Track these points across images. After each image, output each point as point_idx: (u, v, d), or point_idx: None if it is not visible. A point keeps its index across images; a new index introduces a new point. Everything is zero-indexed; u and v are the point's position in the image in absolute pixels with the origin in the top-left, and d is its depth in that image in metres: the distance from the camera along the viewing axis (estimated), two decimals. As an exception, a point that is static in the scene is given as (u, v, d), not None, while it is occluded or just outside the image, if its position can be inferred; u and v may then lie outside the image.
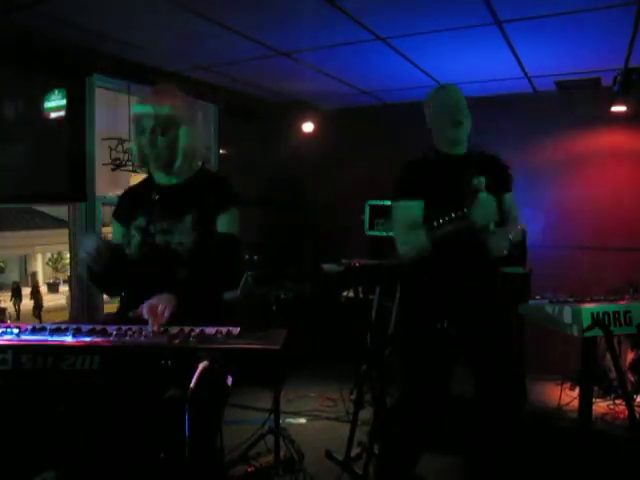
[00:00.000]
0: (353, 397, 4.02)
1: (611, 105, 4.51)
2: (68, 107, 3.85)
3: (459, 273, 2.44)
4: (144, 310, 1.85)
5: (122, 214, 2.24)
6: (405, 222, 2.49)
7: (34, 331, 1.74)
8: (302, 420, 4.03)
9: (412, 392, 2.57)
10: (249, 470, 3.14)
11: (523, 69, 4.43)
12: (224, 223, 2.14)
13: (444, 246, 2.37)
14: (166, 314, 1.87)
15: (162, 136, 2.06)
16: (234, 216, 2.18)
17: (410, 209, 2.49)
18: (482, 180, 2.32)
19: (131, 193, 2.33)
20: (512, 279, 4.27)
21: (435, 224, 2.32)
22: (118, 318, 2.11)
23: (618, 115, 4.58)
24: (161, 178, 2.19)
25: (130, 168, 4.09)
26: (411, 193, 2.50)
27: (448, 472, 3.12)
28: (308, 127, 5.75)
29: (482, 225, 2.33)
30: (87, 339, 1.68)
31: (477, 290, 2.45)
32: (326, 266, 5.08)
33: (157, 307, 1.86)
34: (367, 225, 5.30)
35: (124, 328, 1.75)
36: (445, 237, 2.32)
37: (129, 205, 2.23)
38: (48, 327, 1.76)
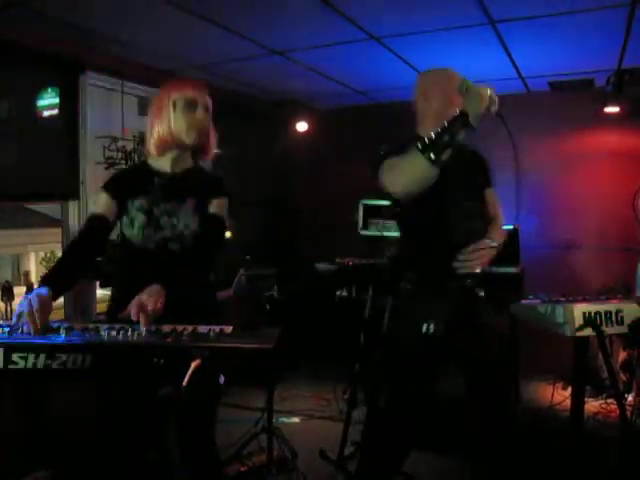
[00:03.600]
0: (346, 396, 4.02)
1: (604, 105, 4.53)
2: (61, 105, 3.84)
3: (444, 272, 2.36)
4: (133, 310, 1.84)
5: (116, 187, 2.22)
6: (396, 160, 2.18)
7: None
8: (295, 419, 4.03)
9: (398, 396, 2.54)
10: (242, 469, 3.14)
11: (517, 69, 4.44)
12: (214, 207, 2.21)
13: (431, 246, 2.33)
14: (159, 307, 1.86)
15: (206, 117, 2.19)
16: (224, 204, 2.25)
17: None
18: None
19: (127, 174, 2.35)
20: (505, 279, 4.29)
21: (427, 139, 2.03)
22: (110, 316, 2.11)
23: (611, 115, 4.61)
24: (163, 166, 2.23)
25: (124, 166, 4.08)
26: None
27: (447, 472, 3.13)
28: (303, 127, 5.75)
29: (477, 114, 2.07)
30: (79, 338, 1.68)
31: (463, 290, 2.40)
32: (320, 265, 5.09)
33: (146, 305, 1.85)
34: (361, 225, 5.32)
35: (117, 327, 1.75)
36: (447, 147, 2.04)
37: (126, 183, 2.23)
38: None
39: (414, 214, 2.42)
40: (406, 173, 2.13)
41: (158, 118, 2.16)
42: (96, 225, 2.17)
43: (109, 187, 2.22)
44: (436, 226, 2.38)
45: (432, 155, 2.01)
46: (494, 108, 2.18)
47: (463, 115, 2.05)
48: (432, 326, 2.32)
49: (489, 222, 2.49)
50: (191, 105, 2.14)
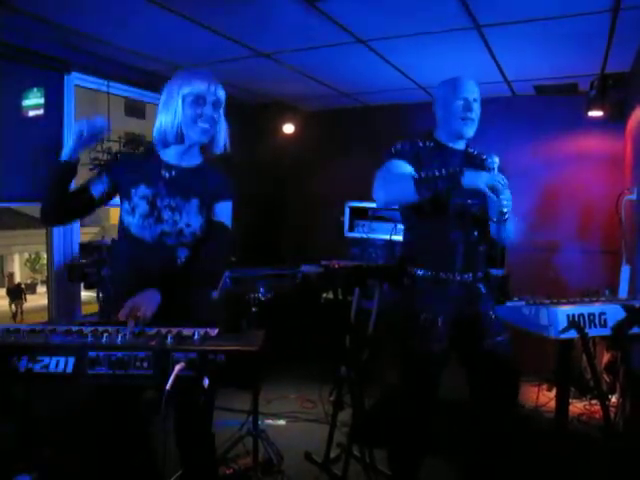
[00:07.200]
0: (332, 399, 4.02)
1: (588, 109, 4.57)
2: (46, 105, 3.81)
3: (446, 269, 2.48)
4: (124, 312, 1.84)
5: (116, 171, 2.20)
6: (392, 171, 2.42)
7: (9, 332, 1.72)
8: (281, 422, 4.02)
9: (403, 392, 2.58)
10: (228, 472, 3.12)
11: (502, 73, 4.47)
12: (219, 213, 2.24)
13: (435, 238, 2.47)
14: (148, 315, 1.86)
15: (217, 113, 2.19)
16: (229, 208, 2.28)
17: (402, 166, 2.42)
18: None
19: (131, 159, 2.32)
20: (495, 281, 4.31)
21: (423, 175, 2.25)
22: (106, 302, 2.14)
23: (595, 119, 4.65)
24: (171, 158, 2.21)
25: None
26: (404, 157, 2.46)
27: (432, 472, 3.13)
28: (288, 128, 5.76)
29: (472, 189, 2.23)
30: (62, 340, 1.67)
31: (464, 285, 2.51)
32: (306, 267, 5.08)
33: (138, 310, 1.85)
34: (347, 226, 5.32)
35: (100, 329, 1.74)
36: (430, 198, 2.27)
37: (128, 168, 2.20)
38: (22, 328, 1.74)
39: (416, 211, 2.52)
40: (391, 193, 2.36)
41: (165, 110, 2.13)
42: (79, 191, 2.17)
43: (109, 170, 2.21)
44: (438, 223, 2.48)
45: (422, 191, 2.23)
46: None
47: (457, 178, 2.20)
48: (431, 319, 2.42)
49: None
50: (199, 101, 2.12)
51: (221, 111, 2.22)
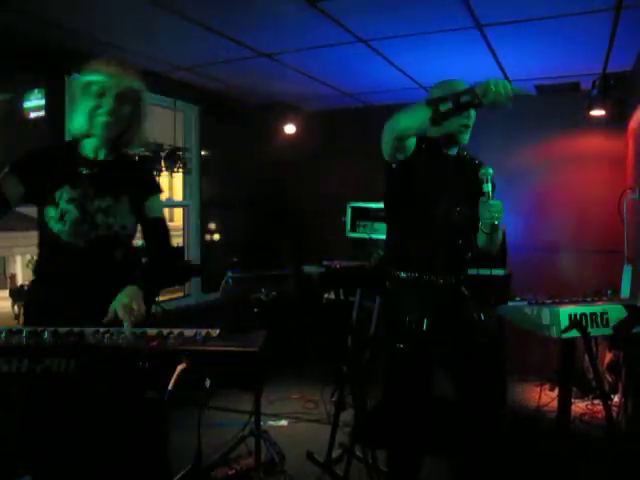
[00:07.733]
0: (334, 399, 4.02)
1: (590, 109, 4.56)
2: (47, 107, 3.81)
3: (430, 271, 2.45)
4: (120, 312, 1.84)
5: (30, 172, 2.01)
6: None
7: (10, 333, 1.72)
8: (283, 422, 4.02)
9: (392, 394, 2.57)
10: (230, 472, 3.12)
11: (504, 73, 4.46)
12: (152, 208, 2.17)
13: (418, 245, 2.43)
14: (142, 311, 1.86)
15: (123, 106, 2.03)
16: (159, 200, 2.23)
17: None
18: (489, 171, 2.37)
19: (47, 156, 2.09)
20: (493, 281, 4.30)
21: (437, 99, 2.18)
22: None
23: (597, 119, 4.64)
24: (89, 151, 2.08)
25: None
26: None
27: (434, 473, 3.13)
28: (290, 129, 5.75)
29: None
30: (64, 341, 1.67)
31: (448, 288, 2.47)
32: (307, 268, 5.08)
33: (132, 307, 1.85)
34: (349, 227, 5.32)
35: (102, 330, 1.74)
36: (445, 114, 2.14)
37: (45, 168, 2.03)
38: (25, 329, 1.74)
39: (403, 213, 2.50)
40: (406, 118, 2.29)
41: (77, 100, 2.02)
42: None
43: (23, 170, 2.01)
44: (424, 226, 2.44)
45: (434, 111, 2.13)
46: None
47: (471, 90, 2.07)
48: (416, 321, 2.37)
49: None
50: (100, 91, 1.98)
51: (134, 105, 2.07)
